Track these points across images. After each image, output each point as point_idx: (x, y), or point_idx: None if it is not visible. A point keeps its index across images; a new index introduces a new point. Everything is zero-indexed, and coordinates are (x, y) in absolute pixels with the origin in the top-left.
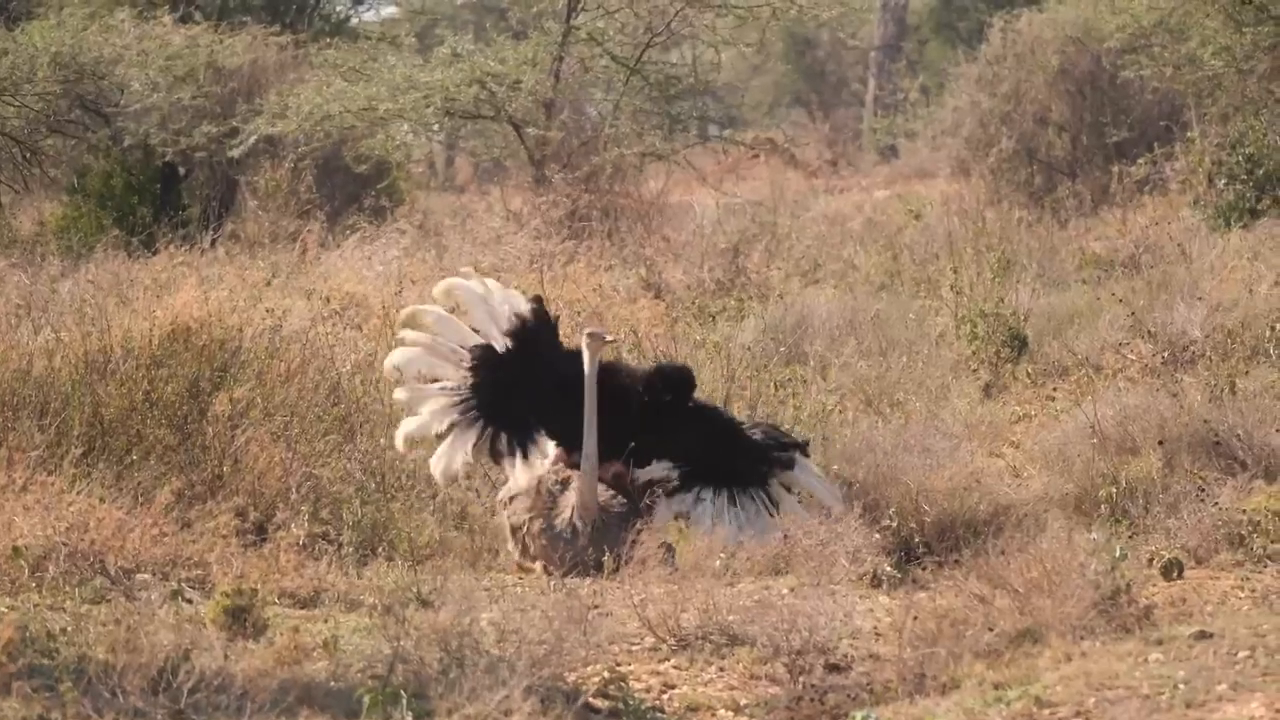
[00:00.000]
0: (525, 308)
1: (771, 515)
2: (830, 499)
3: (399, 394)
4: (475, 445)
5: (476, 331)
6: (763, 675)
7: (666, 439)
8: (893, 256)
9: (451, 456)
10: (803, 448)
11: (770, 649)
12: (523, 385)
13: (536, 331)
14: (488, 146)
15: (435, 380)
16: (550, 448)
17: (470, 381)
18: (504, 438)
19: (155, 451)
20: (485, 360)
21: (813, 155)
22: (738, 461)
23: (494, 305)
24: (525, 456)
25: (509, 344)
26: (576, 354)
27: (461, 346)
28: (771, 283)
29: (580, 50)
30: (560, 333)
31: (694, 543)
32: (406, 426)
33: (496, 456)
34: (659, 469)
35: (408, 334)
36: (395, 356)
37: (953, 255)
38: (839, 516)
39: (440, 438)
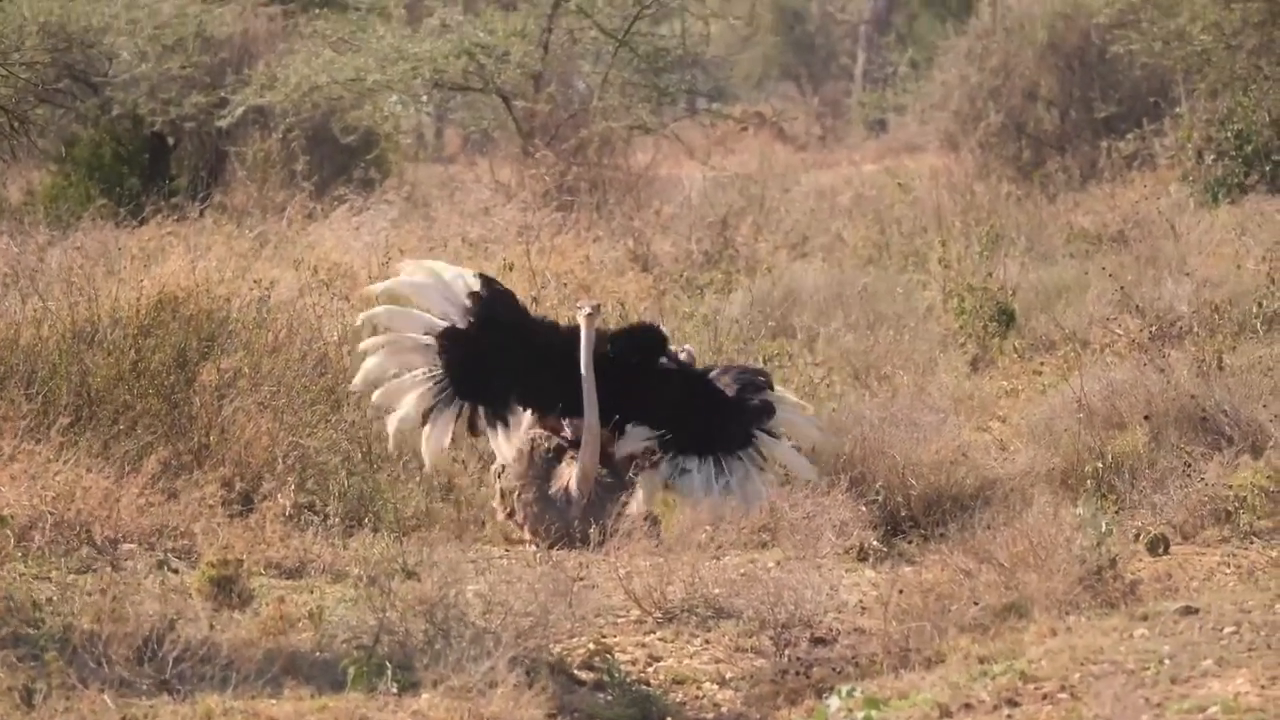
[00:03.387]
0: (476, 284)
1: (761, 469)
2: (813, 434)
3: (376, 398)
4: (456, 423)
5: (436, 316)
6: (748, 648)
7: (640, 401)
8: (881, 230)
9: (438, 439)
10: (769, 382)
11: (755, 622)
12: (492, 358)
13: (493, 304)
14: (476, 118)
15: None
16: (526, 416)
17: (440, 364)
18: (481, 412)
19: (142, 421)
20: (451, 340)
21: (801, 129)
22: (718, 425)
23: (448, 285)
24: (506, 427)
25: (470, 320)
26: (546, 321)
27: (426, 334)
28: (759, 256)
29: (569, 22)
30: (542, 302)
31: (679, 515)
32: (392, 424)
33: (476, 432)
34: (637, 438)
35: (366, 343)
36: (363, 372)
37: (941, 229)
38: (816, 445)
39: (424, 423)
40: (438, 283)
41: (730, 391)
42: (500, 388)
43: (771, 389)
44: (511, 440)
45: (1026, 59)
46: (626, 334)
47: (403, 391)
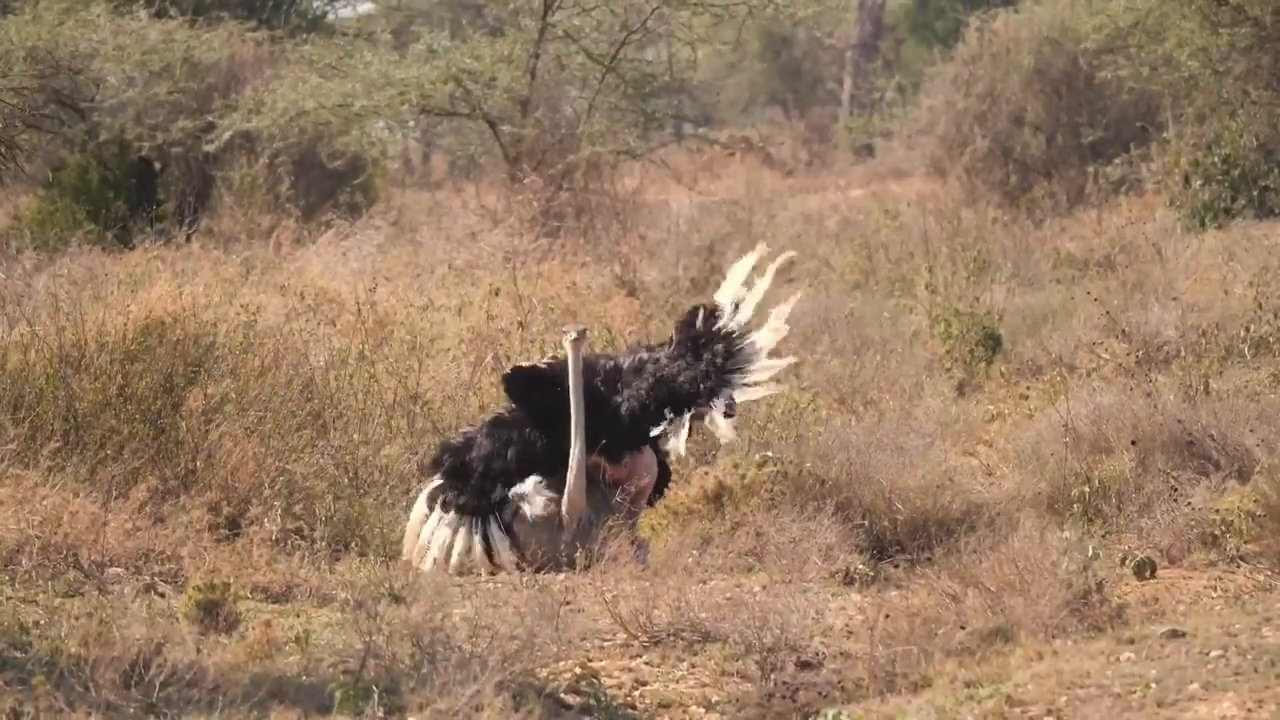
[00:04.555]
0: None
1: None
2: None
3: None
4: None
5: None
6: (734, 672)
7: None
8: (868, 255)
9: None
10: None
11: (742, 646)
12: (491, 460)
13: (500, 418)
14: (463, 143)
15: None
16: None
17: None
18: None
19: (129, 446)
20: (451, 466)
21: (788, 154)
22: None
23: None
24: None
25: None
26: (549, 377)
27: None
28: None
29: (556, 47)
30: (528, 327)
31: (666, 538)
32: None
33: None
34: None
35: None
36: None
37: (928, 254)
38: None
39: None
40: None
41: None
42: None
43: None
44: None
45: (1013, 84)
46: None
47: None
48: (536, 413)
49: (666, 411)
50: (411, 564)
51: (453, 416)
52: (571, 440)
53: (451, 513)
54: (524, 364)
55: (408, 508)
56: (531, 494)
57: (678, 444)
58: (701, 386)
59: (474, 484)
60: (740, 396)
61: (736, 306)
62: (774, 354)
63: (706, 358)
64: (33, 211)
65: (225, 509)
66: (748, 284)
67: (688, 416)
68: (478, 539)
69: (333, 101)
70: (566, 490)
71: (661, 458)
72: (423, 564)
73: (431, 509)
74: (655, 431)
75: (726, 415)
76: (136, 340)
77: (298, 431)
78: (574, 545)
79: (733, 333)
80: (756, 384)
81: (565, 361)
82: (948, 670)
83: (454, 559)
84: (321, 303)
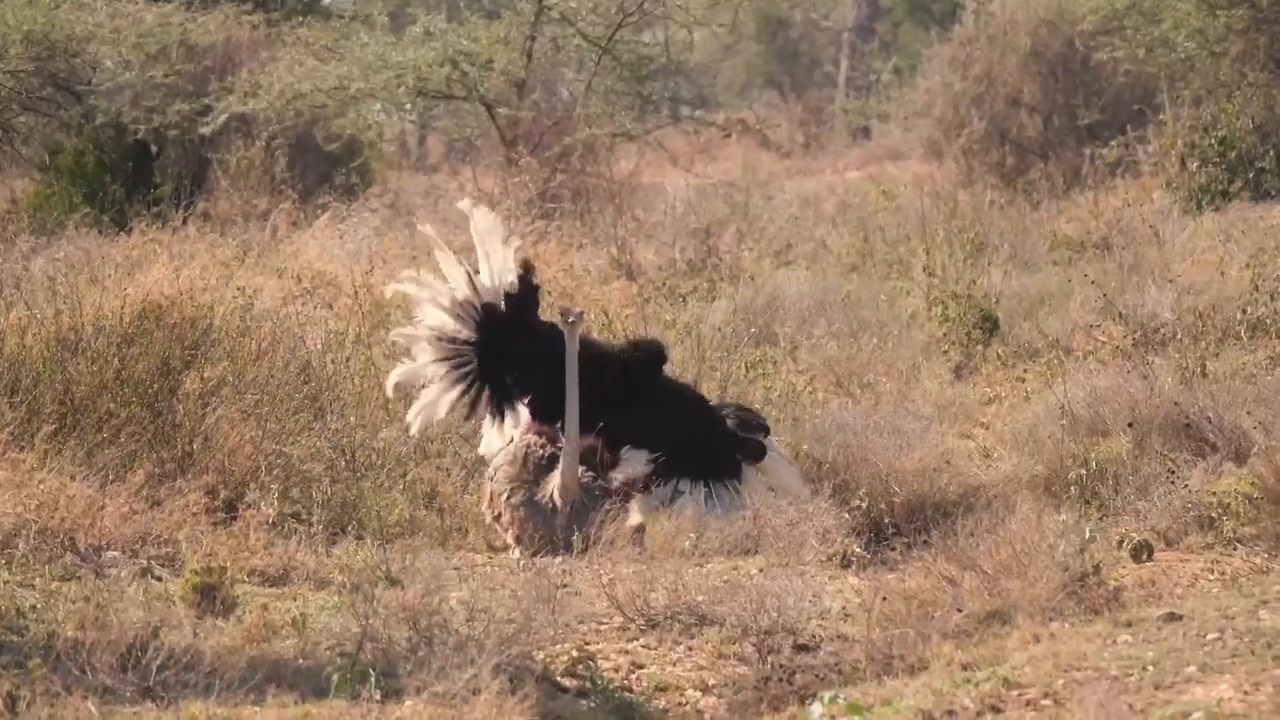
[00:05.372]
0: (518, 273)
1: (745, 504)
2: (796, 485)
3: (397, 334)
4: (458, 399)
5: (477, 273)
6: (731, 655)
7: (640, 417)
8: (864, 238)
9: (434, 408)
10: (767, 429)
11: (739, 629)
12: (514, 350)
13: (526, 298)
14: (460, 126)
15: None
16: (524, 415)
17: (472, 337)
18: (487, 397)
19: (126, 429)
20: (489, 319)
21: (785, 136)
22: (714, 453)
23: (496, 256)
24: (502, 420)
25: (505, 306)
26: (553, 327)
27: (468, 301)
28: (743, 263)
29: (553, 30)
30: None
31: (663, 523)
32: (399, 372)
33: (472, 414)
34: (636, 463)
35: (406, 287)
36: (403, 339)
37: (925, 236)
38: (804, 500)
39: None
40: (487, 249)
41: (729, 423)
42: (508, 378)
43: (767, 433)
44: (504, 433)
45: (1010, 66)
46: (634, 346)
47: (424, 346)
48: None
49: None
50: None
51: None
52: (565, 423)
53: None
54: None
55: (405, 491)
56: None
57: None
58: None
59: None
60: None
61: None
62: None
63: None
64: (29, 195)
65: (222, 492)
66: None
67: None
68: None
69: (329, 84)
70: (560, 473)
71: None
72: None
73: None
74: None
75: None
76: (133, 323)
77: (295, 415)
78: (569, 528)
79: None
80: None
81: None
82: (945, 653)
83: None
84: (318, 285)
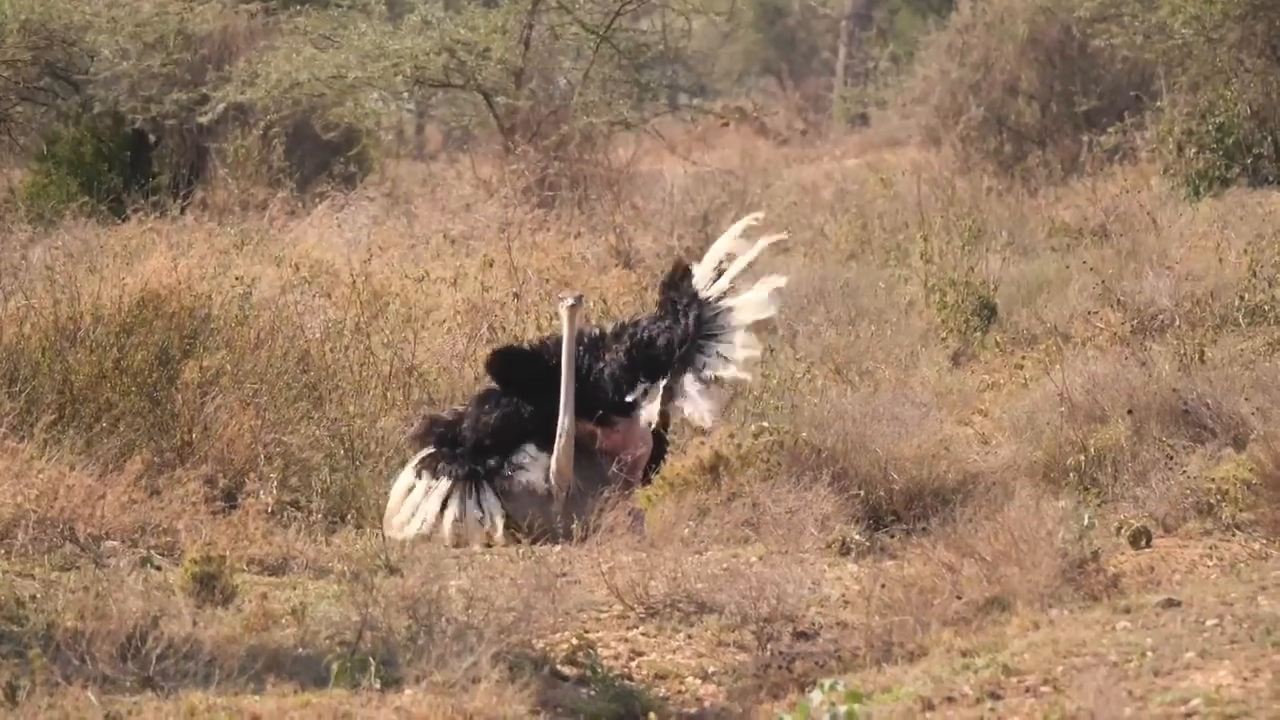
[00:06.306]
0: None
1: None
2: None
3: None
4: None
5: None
6: (730, 643)
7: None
8: (863, 225)
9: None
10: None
11: (738, 617)
12: (484, 430)
13: (490, 390)
14: (457, 115)
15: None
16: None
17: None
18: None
19: (125, 419)
20: (441, 436)
21: (783, 124)
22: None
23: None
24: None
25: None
26: (542, 351)
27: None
28: None
29: (550, 18)
30: (523, 298)
31: (662, 510)
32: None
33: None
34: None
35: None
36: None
37: (923, 224)
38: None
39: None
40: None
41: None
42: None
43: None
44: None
45: (1007, 53)
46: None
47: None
48: (520, 390)
49: (641, 378)
50: (391, 533)
51: (448, 388)
52: (560, 409)
53: (444, 480)
54: (502, 346)
55: None
56: (526, 461)
57: (650, 411)
58: (677, 351)
59: (466, 451)
60: (714, 370)
61: (720, 272)
62: (756, 329)
63: (684, 322)
64: (27, 185)
65: (221, 481)
66: (735, 251)
67: (661, 384)
68: (471, 504)
69: (327, 73)
70: (554, 458)
71: (658, 430)
72: (402, 533)
73: (420, 478)
74: (631, 397)
75: (702, 383)
76: (132, 313)
77: (293, 404)
78: (566, 515)
79: (709, 298)
80: (730, 360)
81: (548, 339)
82: (944, 640)
83: (447, 527)
84: (316, 274)
